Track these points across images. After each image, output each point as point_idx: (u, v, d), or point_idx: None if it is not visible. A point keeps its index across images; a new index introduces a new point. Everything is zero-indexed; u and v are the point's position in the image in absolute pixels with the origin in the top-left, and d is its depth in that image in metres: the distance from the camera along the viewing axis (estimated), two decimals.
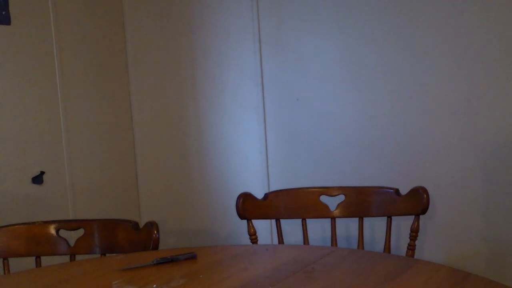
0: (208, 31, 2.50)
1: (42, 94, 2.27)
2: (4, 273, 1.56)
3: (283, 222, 1.83)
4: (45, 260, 1.60)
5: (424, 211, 1.62)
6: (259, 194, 1.81)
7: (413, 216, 1.64)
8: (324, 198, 1.80)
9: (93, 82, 2.51)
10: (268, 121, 2.41)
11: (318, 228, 2.20)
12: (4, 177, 2.13)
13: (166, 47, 2.63)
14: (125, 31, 2.68)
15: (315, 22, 2.24)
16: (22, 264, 1.62)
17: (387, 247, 1.69)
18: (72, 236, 1.64)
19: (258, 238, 1.79)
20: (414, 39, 2.04)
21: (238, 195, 1.78)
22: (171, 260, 1.30)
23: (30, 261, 1.60)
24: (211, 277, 1.21)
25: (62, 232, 1.64)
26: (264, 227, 2.34)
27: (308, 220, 1.80)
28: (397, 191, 1.69)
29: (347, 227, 2.12)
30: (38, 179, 2.24)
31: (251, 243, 1.76)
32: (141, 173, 2.75)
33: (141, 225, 1.58)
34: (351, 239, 2.14)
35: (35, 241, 1.62)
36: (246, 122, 2.46)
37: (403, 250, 1.75)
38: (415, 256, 1.63)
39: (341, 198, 1.79)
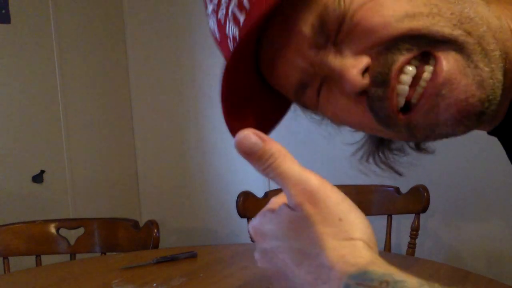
0: (208, 30, 2.50)
1: (42, 93, 2.27)
2: (5, 272, 1.56)
3: None
4: (45, 259, 1.60)
5: (424, 209, 1.62)
6: (259, 193, 1.81)
7: (414, 215, 1.64)
8: None
9: (93, 81, 2.51)
10: None
11: None
12: (4, 176, 2.13)
13: (166, 47, 2.62)
14: (125, 31, 2.68)
15: None
16: (22, 263, 1.62)
17: (388, 246, 1.68)
18: (72, 235, 1.64)
19: None
20: None
21: (238, 193, 1.78)
22: (171, 259, 1.30)
23: (30, 260, 1.60)
24: (211, 276, 1.21)
25: (62, 231, 1.64)
26: None
27: None
28: (397, 189, 1.69)
29: None
30: (38, 178, 2.24)
31: (251, 242, 1.76)
32: (141, 172, 2.75)
33: (141, 224, 1.58)
34: None
35: (35, 240, 1.62)
36: None
37: (403, 248, 1.75)
38: (416, 255, 1.63)
39: None
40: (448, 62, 0.45)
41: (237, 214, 1.76)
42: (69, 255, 1.61)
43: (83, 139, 2.44)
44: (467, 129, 0.48)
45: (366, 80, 0.47)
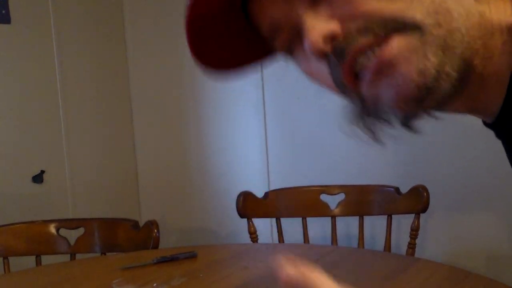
0: None
1: (42, 94, 2.27)
2: (5, 272, 1.56)
3: (283, 220, 1.83)
4: (45, 259, 1.60)
5: (424, 209, 1.62)
6: (259, 193, 1.81)
7: (414, 215, 1.64)
8: (324, 197, 1.80)
9: (93, 82, 2.51)
10: (268, 119, 2.40)
11: (319, 227, 2.19)
12: (4, 176, 2.13)
13: (166, 47, 2.62)
14: (125, 31, 2.68)
15: None
16: (23, 263, 1.62)
17: (388, 246, 1.69)
18: (72, 235, 1.64)
19: (258, 237, 1.78)
20: None
21: (238, 193, 1.78)
22: (171, 259, 1.30)
23: (30, 260, 1.60)
24: (211, 276, 1.21)
25: (62, 231, 1.64)
26: (264, 226, 2.34)
27: (308, 219, 1.80)
28: (397, 189, 1.69)
29: (348, 225, 2.12)
30: (38, 178, 2.24)
31: (251, 242, 1.76)
32: (141, 172, 2.75)
33: (141, 224, 1.58)
34: (351, 237, 2.14)
35: (35, 240, 1.62)
36: (247, 121, 2.46)
37: (403, 249, 1.75)
38: (416, 255, 1.63)
39: (341, 196, 1.79)
40: (399, 44, 0.45)
41: (237, 214, 1.76)
42: (69, 255, 1.61)
43: (83, 139, 2.44)
44: (407, 112, 0.48)
45: (326, 47, 0.47)
